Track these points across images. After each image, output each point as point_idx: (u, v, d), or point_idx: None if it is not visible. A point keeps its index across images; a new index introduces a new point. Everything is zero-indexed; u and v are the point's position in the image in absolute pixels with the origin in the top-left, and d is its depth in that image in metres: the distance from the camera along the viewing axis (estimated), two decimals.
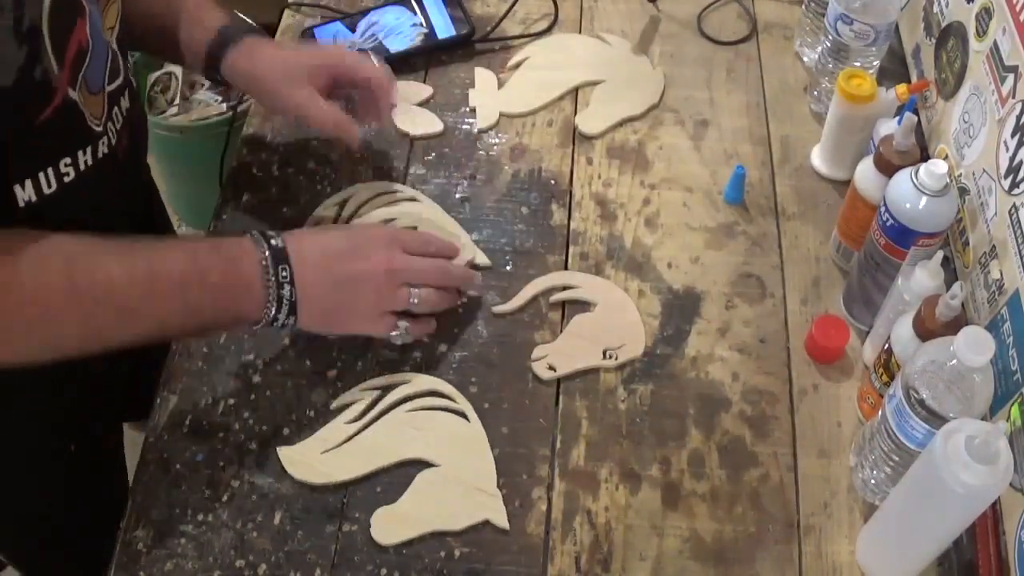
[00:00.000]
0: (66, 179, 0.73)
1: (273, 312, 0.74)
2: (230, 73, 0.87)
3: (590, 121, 1.02)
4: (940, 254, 0.75)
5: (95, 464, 0.99)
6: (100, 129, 0.75)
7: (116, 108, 0.78)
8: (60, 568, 1.07)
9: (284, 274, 0.73)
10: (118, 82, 0.78)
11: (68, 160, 0.72)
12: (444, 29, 1.07)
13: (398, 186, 0.95)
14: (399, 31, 1.07)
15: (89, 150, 0.75)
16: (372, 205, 0.93)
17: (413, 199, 0.94)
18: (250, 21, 0.89)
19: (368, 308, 0.78)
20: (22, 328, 0.66)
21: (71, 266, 0.67)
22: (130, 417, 1.17)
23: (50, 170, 0.71)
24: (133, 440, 0.94)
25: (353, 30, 1.08)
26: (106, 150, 0.77)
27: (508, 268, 0.91)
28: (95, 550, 1.02)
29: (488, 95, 1.04)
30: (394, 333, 0.80)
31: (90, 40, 0.71)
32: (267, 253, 0.73)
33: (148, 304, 0.69)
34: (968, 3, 0.89)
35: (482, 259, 0.90)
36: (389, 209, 0.93)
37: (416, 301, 0.79)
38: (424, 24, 1.08)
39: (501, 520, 0.75)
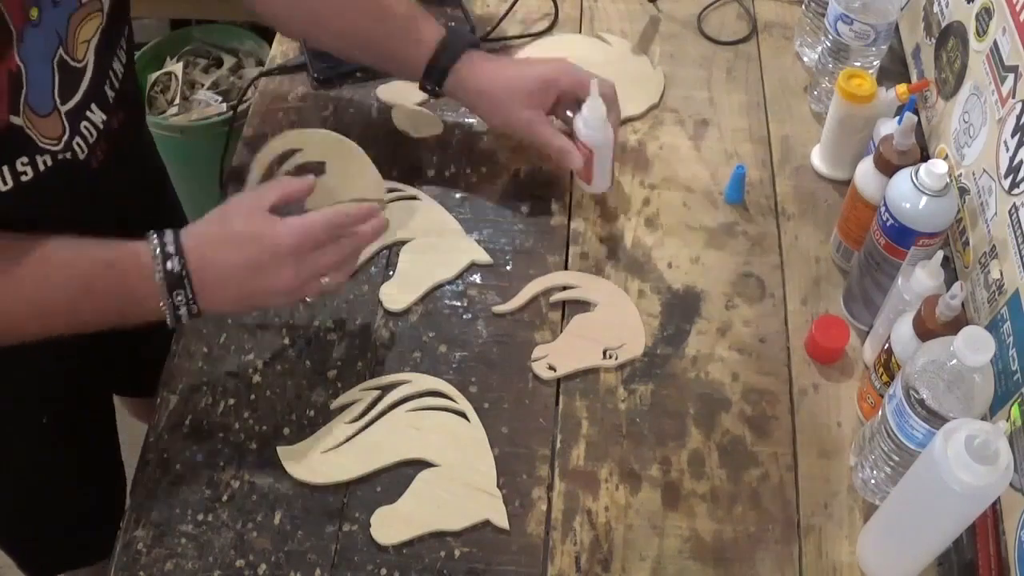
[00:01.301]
0: (23, 178, 0.72)
1: (171, 321, 0.73)
2: (452, 90, 0.89)
3: None
4: (940, 254, 0.75)
5: (80, 438, 0.99)
6: (59, 147, 0.74)
7: (84, 123, 0.77)
8: (51, 551, 1.07)
9: (180, 298, 0.72)
10: (75, 100, 0.76)
11: (24, 160, 0.72)
12: None
13: (398, 184, 0.95)
14: None
15: (48, 156, 0.74)
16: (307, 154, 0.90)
17: (414, 197, 0.94)
18: (467, 31, 0.89)
19: (279, 304, 0.81)
20: None
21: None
22: (120, 390, 1.17)
23: (4, 168, 0.71)
24: (133, 440, 0.94)
25: None
26: (68, 157, 0.76)
27: (508, 268, 0.91)
28: (86, 532, 1.02)
29: None
30: (308, 300, 0.83)
31: (21, 66, 0.69)
32: (161, 276, 0.71)
33: (38, 328, 0.72)
34: (968, 3, 0.89)
35: (483, 258, 0.90)
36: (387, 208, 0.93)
37: (328, 282, 0.78)
38: None
39: (501, 520, 0.75)
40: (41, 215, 0.71)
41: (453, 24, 0.89)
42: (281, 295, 0.76)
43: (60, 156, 0.75)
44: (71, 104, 0.76)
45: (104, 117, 0.80)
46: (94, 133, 0.79)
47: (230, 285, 0.74)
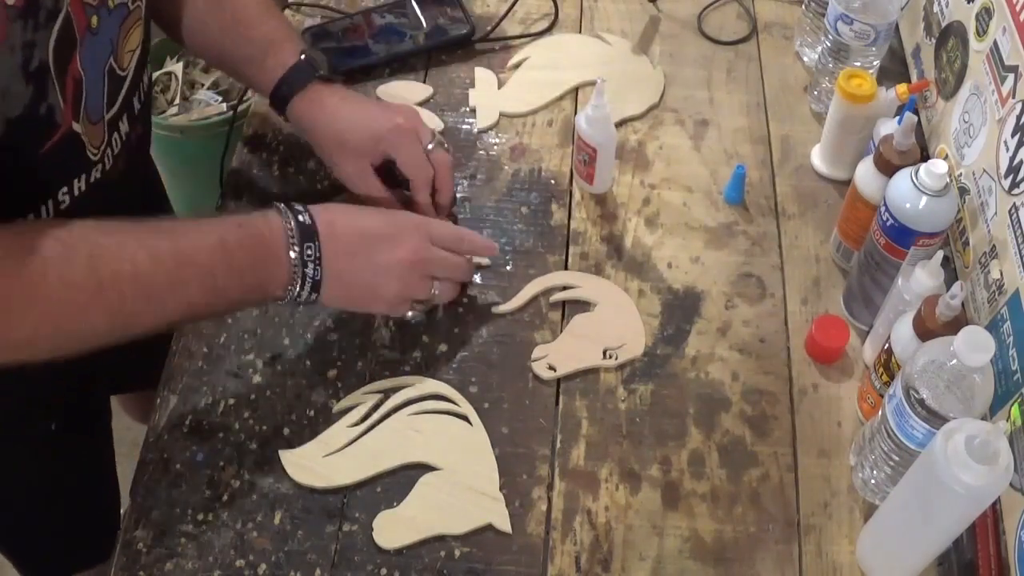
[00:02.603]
0: (62, 207, 0.74)
1: (297, 289, 0.74)
2: (292, 119, 0.88)
3: None
4: (940, 254, 0.75)
5: (80, 442, 0.99)
6: (97, 157, 0.76)
7: (115, 134, 0.78)
8: (51, 554, 1.07)
9: (310, 252, 0.73)
10: (114, 109, 0.78)
11: (64, 189, 0.73)
12: (438, 33, 1.08)
13: None
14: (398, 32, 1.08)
15: (84, 178, 0.75)
16: None
17: None
18: (321, 60, 0.86)
19: (390, 295, 0.79)
20: (49, 329, 0.66)
21: (95, 260, 0.66)
22: (117, 388, 1.16)
23: (49, 202, 0.72)
24: (134, 440, 0.94)
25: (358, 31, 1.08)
26: (99, 175, 0.77)
27: (508, 268, 0.91)
28: (85, 534, 1.02)
29: (488, 95, 1.04)
30: (409, 315, 0.83)
31: (82, 72, 0.70)
32: (294, 228, 0.73)
33: (175, 290, 0.69)
34: (968, 3, 0.89)
35: (481, 259, 0.90)
36: None
37: (436, 293, 0.81)
38: (422, 26, 1.08)
39: (504, 524, 0.75)
40: None
41: (311, 56, 0.86)
42: (396, 277, 0.77)
43: (94, 171, 0.75)
44: (111, 113, 0.77)
45: (128, 129, 0.81)
46: (119, 144, 0.80)
47: (356, 249, 0.76)
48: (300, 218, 0.74)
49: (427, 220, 0.82)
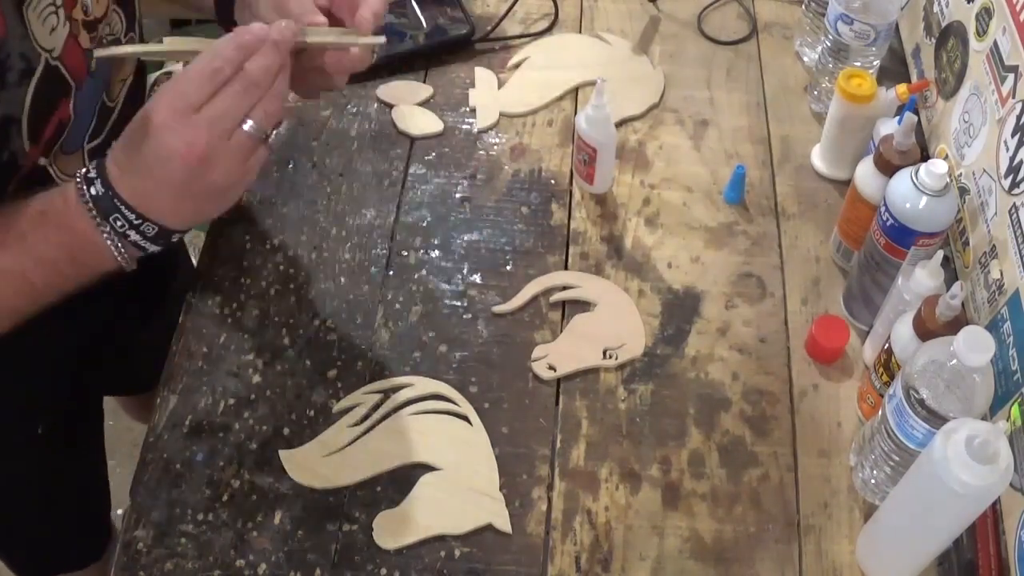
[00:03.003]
0: None
1: (135, 252, 0.66)
2: (239, 11, 0.79)
3: None
4: (940, 254, 0.75)
5: (69, 443, 0.98)
6: (65, 180, 0.74)
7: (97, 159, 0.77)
8: (41, 553, 1.07)
9: (120, 223, 0.64)
10: (100, 139, 0.77)
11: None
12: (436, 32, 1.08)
13: None
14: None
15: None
16: None
17: None
18: None
19: (228, 179, 0.65)
20: None
21: None
22: (114, 390, 1.16)
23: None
24: (133, 440, 0.94)
25: None
26: None
27: (508, 268, 0.91)
28: (75, 534, 1.02)
29: (488, 95, 1.04)
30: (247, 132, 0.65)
31: (73, 114, 0.70)
32: (91, 207, 0.64)
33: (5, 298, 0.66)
34: (968, 3, 0.89)
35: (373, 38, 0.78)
36: None
37: (254, 126, 0.65)
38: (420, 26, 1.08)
39: (504, 525, 0.75)
40: None
41: None
42: (216, 163, 0.64)
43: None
44: (96, 143, 0.76)
45: None
46: None
47: (161, 182, 0.64)
48: (92, 190, 0.64)
49: (173, 89, 0.65)
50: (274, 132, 0.70)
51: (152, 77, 1.81)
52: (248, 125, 0.65)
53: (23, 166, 0.69)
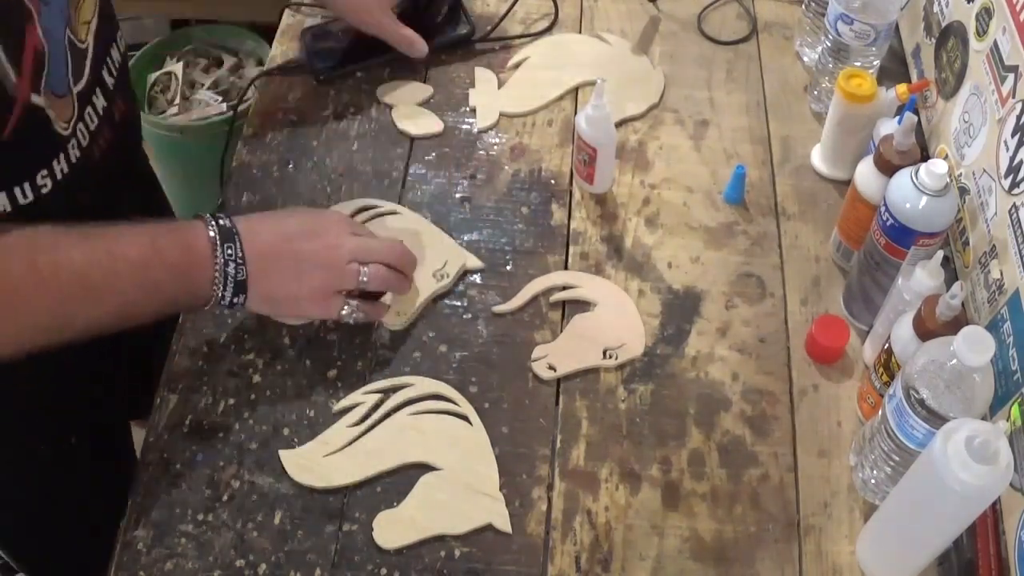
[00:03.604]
0: (43, 190, 0.73)
1: (221, 290, 0.75)
2: None
3: None
4: (940, 254, 0.75)
5: (99, 459, 0.99)
6: (68, 132, 0.75)
7: (89, 108, 0.78)
8: (65, 568, 1.07)
9: (230, 252, 0.74)
10: (83, 82, 0.77)
11: (44, 172, 0.73)
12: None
13: (377, 201, 0.94)
14: None
15: (63, 157, 0.75)
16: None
17: (394, 212, 0.93)
18: None
19: (316, 287, 0.78)
20: None
21: (34, 255, 0.67)
22: (136, 415, 1.17)
23: (26, 184, 0.72)
24: (134, 440, 0.94)
25: None
26: (78, 153, 0.77)
27: (508, 268, 0.91)
28: (99, 550, 1.02)
29: (488, 95, 1.04)
30: (344, 311, 0.79)
31: (44, 43, 0.70)
32: (215, 231, 0.74)
33: (110, 284, 0.70)
34: (968, 3, 0.89)
35: (473, 262, 0.90)
36: (371, 225, 0.91)
37: (366, 279, 0.79)
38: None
39: (504, 525, 0.75)
40: (66, 218, 0.71)
41: None
42: (318, 265, 0.77)
43: (69, 146, 0.75)
44: (80, 86, 0.76)
45: (105, 104, 0.80)
46: (95, 119, 0.79)
47: (277, 247, 0.76)
48: (221, 222, 0.75)
49: (346, 218, 0.82)
50: (359, 313, 0.80)
51: (152, 77, 1.81)
52: (364, 272, 0.78)
53: (15, 99, 0.68)
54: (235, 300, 0.76)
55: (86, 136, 0.78)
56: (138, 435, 0.94)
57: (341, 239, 0.79)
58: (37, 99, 0.70)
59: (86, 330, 0.70)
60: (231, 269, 0.74)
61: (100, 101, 0.80)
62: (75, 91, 0.76)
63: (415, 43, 0.99)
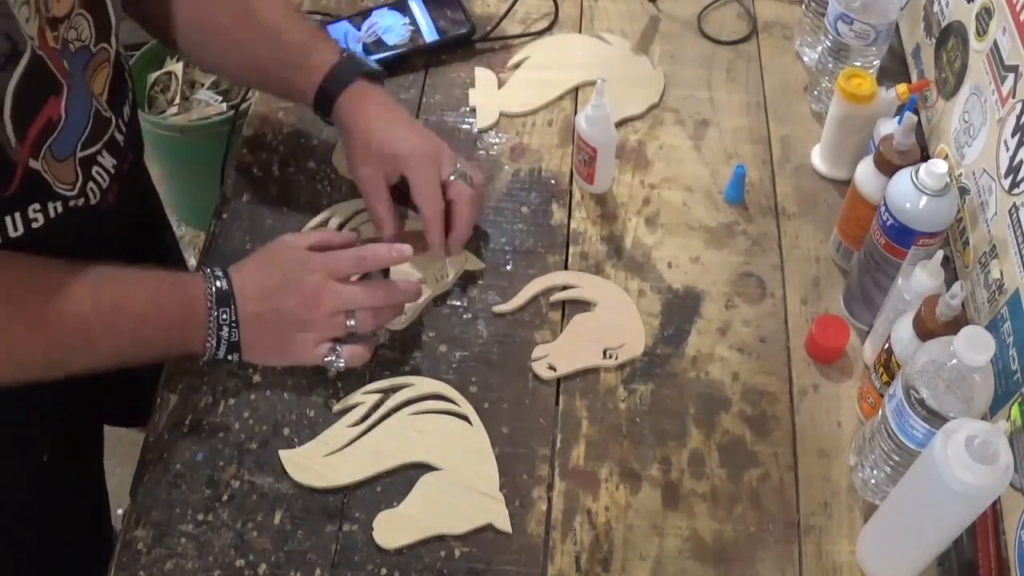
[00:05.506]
0: (34, 224, 0.73)
1: (213, 349, 0.76)
2: (336, 118, 0.87)
3: None
4: (940, 254, 0.75)
5: (71, 471, 0.98)
6: (73, 192, 0.76)
7: (96, 169, 0.78)
8: None
9: (225, 316, 0.76)
10: (97, 146, 0.78)
11: (37, 207, 0.73)
12: (430, 33, 1.07)
13: None
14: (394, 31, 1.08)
15: (60, 203, 0.75)
16: (354, 223, 0.92)
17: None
18: (362, 56, 0.88)
19: (306, 341, 0.78)
20: None
21: (45, 297, 0.69)
22: (112, 420, 1.16)
23: (17, 215, 0.72)
24: (133, 440, 0.94)
25: (358, 29, 1.08)
26: (80, 204, 0.77)
27: (508, 268, 0.91)
28: (74, 562, 1.01)
29: (488, 95, 1.04)
30: (327, 359, 0.78)
31: (64, 114, 0.71)
32: (213, 295, 0.76)
33: (109, 336, 0.72)
34: (968, 3, 0.89)
35: (473, 263, 0.90)
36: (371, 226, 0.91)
37: (353, 324, 0.78)
38: (415, 27, 1.08)
39: (504, 524, 0.75)
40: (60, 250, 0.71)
41: (351, 53, 0.88)
42: (305, 322, 0.76)
43: (72, 203, 0.76)
44: (89, 151, 0.77)
45: (115, 162, 0.80)
46: (106, 178, 0.80)
47: (263, 308, 0.76)
48: (219, 284, 0.76)
49: (330, 256, 0.79)
50: (339, 362, 0.79)
51: (152, 77, 1.81)
52: (351, 320, 0.78)
53: (13, 162, 0.69)
54: (230, 358, 0.77)
55: (96, 195, 0.79)
56: (133, 437, 0.94)
57: (322, 293, 0.77)
58: (34, 163, 0.71)
59: (74, 372, 0.71)
60: (224, 332, 0.76)
61: (108, 160, 0.80)
62: (79, 155, 0.76)
63: (384, 226, 0.86)
